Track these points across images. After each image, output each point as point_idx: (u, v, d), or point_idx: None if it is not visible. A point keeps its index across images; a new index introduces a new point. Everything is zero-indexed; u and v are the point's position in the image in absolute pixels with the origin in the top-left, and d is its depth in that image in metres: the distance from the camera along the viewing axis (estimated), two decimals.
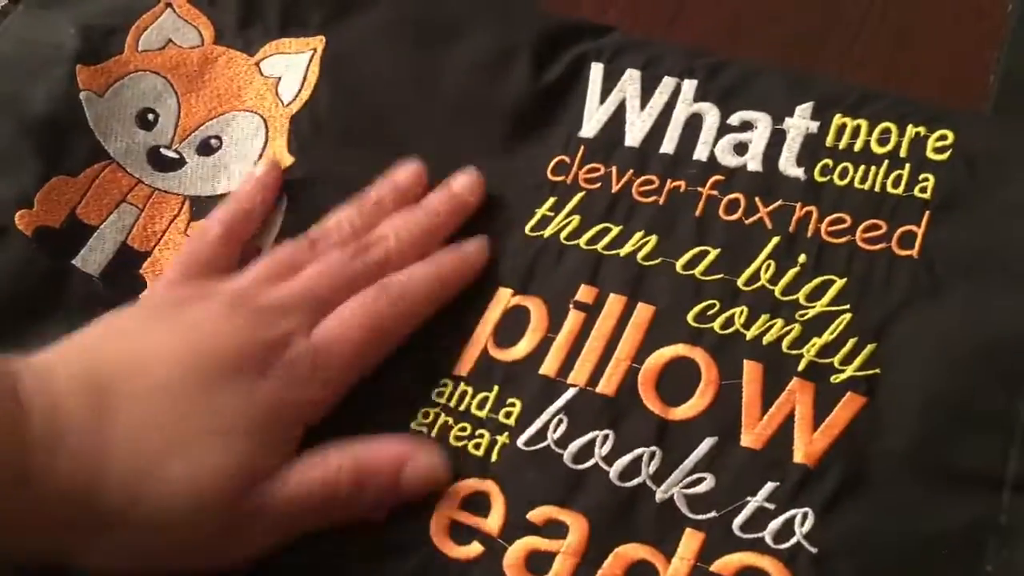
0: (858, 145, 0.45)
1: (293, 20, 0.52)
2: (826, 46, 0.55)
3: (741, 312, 0.42)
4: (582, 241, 0.45)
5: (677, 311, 0.43)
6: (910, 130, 0.45)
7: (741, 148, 0.46)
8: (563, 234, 0.46)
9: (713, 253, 0.44)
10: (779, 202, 0.44)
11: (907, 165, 0.44)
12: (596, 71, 0.50)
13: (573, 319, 0.43)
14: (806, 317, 0.42)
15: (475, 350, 0.44)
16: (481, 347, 0.44)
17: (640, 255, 0.44)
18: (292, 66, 0.51)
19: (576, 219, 0.46)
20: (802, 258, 0.43)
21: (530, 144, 0.49)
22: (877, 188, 0.44)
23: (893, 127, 0.45)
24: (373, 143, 0.49)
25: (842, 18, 0.55)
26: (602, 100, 0.49)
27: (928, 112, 0.45)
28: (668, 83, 0.49)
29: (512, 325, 0.44)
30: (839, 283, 0.42)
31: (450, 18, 0.53)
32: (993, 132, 0.45)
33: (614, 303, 0.43)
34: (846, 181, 0.44)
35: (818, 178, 0.45)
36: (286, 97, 0.51)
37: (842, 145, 0.45)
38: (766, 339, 0.42)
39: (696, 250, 0.44)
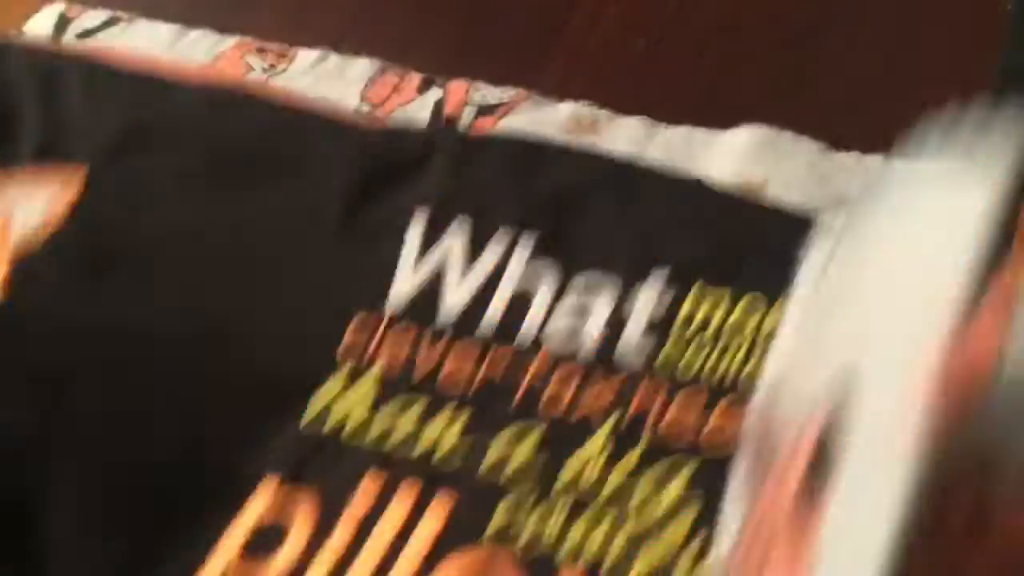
0: (715, 321, 0.39)
1: (54, 148, 0.46)
2: (826, 46, 0.54)
3: (558, 517, 0.36)
4: (372, 429, 0.38)
5: (479, 513, 0.36)
6: (759, 314, 0.38)
7: (576, 324, 0.39)
8: (353, 415, 0.38)
9: (529, 445, 0.37)
10: (616, 381, 0.38)
11: (758, 351, 0.38)
12: (419, 218, 0.42)
13: (349, 521, 0.36)
14: (638, 525, 0.35)
15: (220, 562, 0.35)
16: (228, 559, 0.36)
17: (442, 447, 0.37)
18: (35, 197, 0.44)
19: (372, 394, 0.38)
20: (635, 455, 0.37)
21: (329, 301, 0.41)
22: (732, 371, 0.38)
23: (743, 307, 0.39)
24: (111, 288, 0.42)
25: (841, 18, 0.55)
26: (421, 254, 0.41)
27: (781, 290, 0.37)
28: (500, 238, 0.41)
29: (270, 532, 0.36)
30: (677, 485, 0.36)
31: (253, 155, 0.45)
32: None
33: (402, 501, 0.36)
34: (696, 361, 0.38)
35: (663, 356, 0.38)
36: (20, 229, 0.43)
37: (697, 318, 0.39)
38: (588, 551, 0.35)
39: (508, 442, 0.37)
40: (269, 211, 0.43)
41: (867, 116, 0.49)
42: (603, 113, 0.50)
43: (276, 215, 0.43)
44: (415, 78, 0.52)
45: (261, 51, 0.53)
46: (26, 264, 0.42)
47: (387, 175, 0.43)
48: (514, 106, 0.50)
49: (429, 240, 0.41)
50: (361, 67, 0.52)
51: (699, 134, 0.49)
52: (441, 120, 0.49)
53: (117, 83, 0.47)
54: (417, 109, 0.51)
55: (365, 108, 0.51)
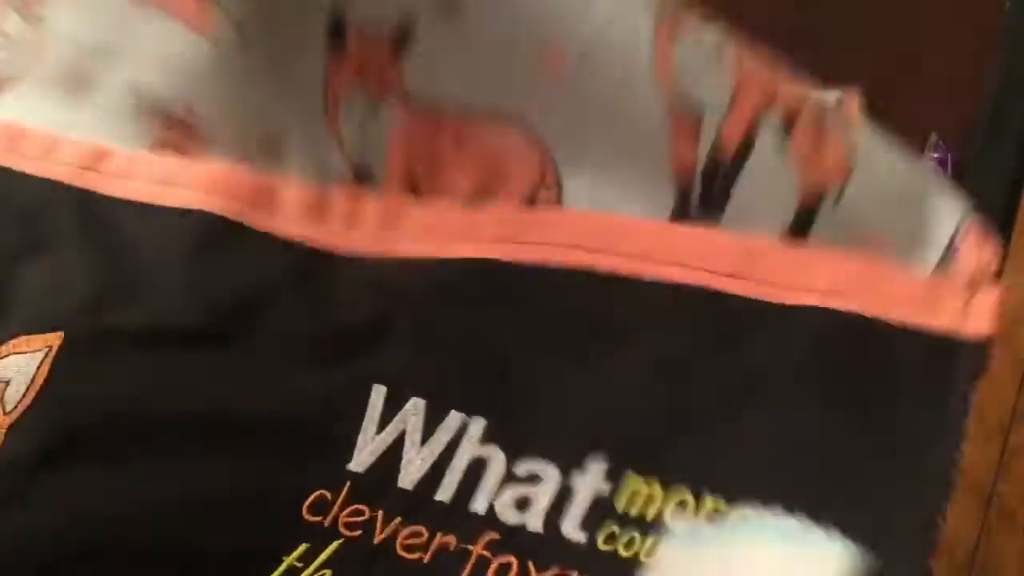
0: (651, 514, 0.38)
1: (38, 314, 0.44)
2: (825, 46, 0.54)
3: None
4: None
5: None
6: (709, 504, 0.38)
7: (524, 503, 0.39)
8: None
9: None
10: (554, 570, 0.38)
11: None
12: (377, 394, 0.41)
13: None
14: None
15: None
16: None
17: None
18: (23, 369, 0.44)
19: (327, 574, 0.38)
20: None
21: (286, 472, 0.40)
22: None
23: (690, 498, 0.38)
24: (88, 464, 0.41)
25: (841, 19, 0.56)
26: (379, 429, 0.41)
27: (731, 480, 0.38)
28: (454, 418, 0.41)
29: None
30: None
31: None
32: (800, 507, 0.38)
33: None
34: (631, 552, 0.38)
35: (601, 546, 0.38)
36: (10, 404, 0.43)
37: (634, 512, 0.38)
38: None
39: None
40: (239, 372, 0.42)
41: (867, 115, 0.50)
42: None
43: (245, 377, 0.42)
44: None
45: None
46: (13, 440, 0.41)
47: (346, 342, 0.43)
48: None
49: (387, 415, 0.41)
50: None
51: None
52: None
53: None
54: None
55: None
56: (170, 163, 0.49)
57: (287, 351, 0.43)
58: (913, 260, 0.41)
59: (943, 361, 0.37)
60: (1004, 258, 0.45)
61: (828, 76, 0.52)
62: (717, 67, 0.43)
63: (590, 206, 0.44)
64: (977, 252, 0.40)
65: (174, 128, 0.49)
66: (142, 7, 0.50)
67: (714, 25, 0.43)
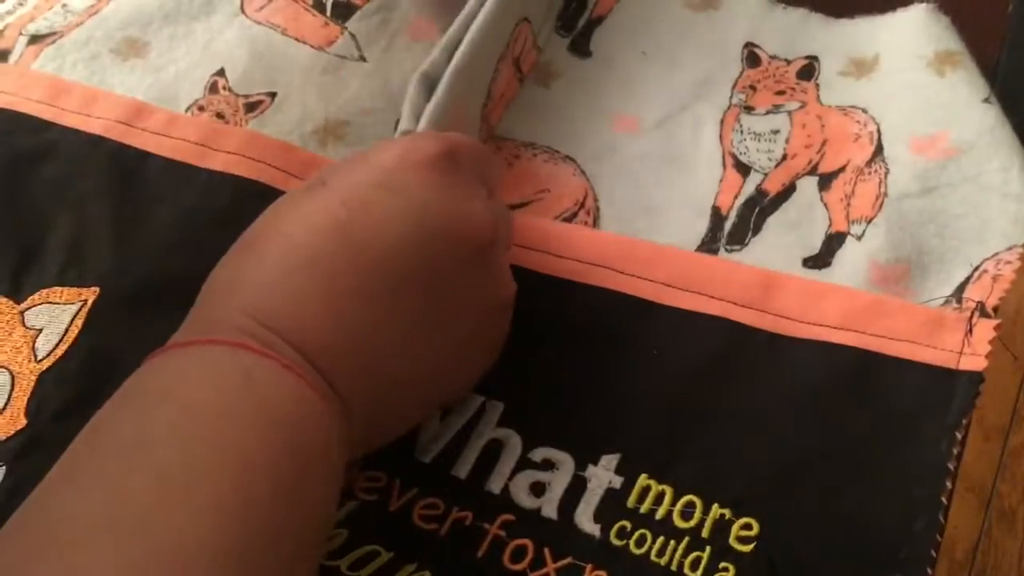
0: (660, 513, 0.39)
1: (73, 267, 0.46)
2: None
3: None
4: (342, 565, 0.38)
5: None
6: (715, 510, 0.38)
7: (538, 488, 0.40)
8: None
9: None
10: (568, 559, 0.38)
11: (708, 548, 0.38)
12: None
13: None
14: None
15: None
16: None
17: None
18: (55, 319, 0.45)
19: (343, 534, 0.39)
20: None
21: None
22: (674, 566, 0.38)
23: (698, 502, 0.39)
24: None
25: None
26: None
27: (737, 492, 0.39)
28: (474, 400, 0.42)
29: None
30: None
31: None
32: (801, 526, 0.38)
33: None
34: (642, 550, 0.38)
35: (614, 540, 0.39)
36: (41, 352, 0.44)
37: (644, 509, 0.39)
38: None
39: None
40: None
41: None
42: None
43: None
44: None
45: None
46: (43, 385, 0.43)
47: None
48: None
49: None
50: None
51: (815, 17, 0.52)
52: None
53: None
54: None
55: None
56: (211, 126, 0.50)
57: None
58: (924, 292, 0.42)
59: (940, 392, 0.38)
60: None
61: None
62: (770, 143, 0.48)
63: (622, 231, 0.46)
64: (983, 291, 0.40)
65: (229, 102, 0.51)
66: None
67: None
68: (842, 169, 0.47)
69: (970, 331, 0.39)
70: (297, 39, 0.53)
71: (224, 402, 0.31)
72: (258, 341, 0.33)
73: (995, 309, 0.40)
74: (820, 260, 0.44)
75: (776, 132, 0.48)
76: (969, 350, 0.39)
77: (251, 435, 0.31)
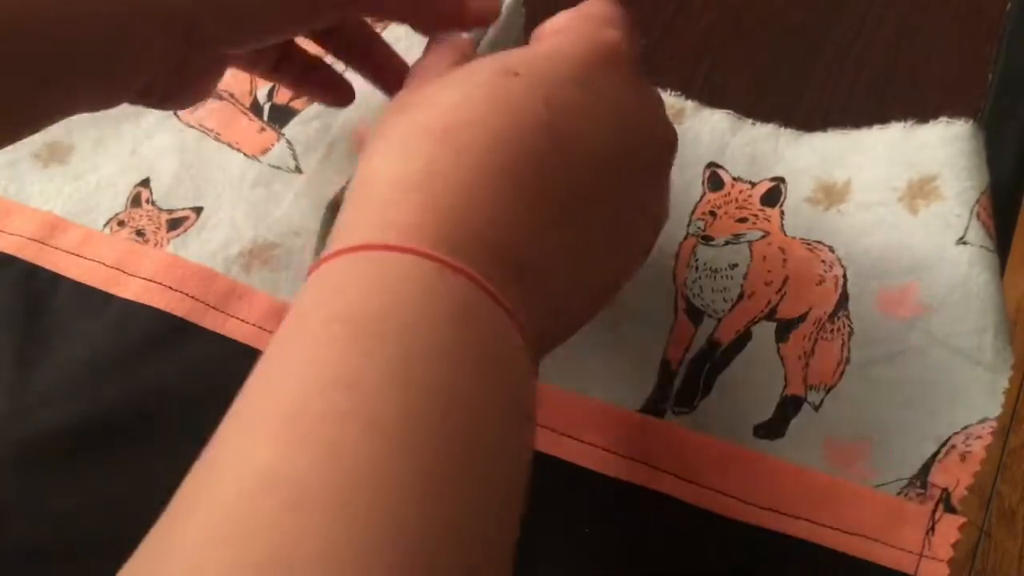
0: None
1: None
2: (825, 44, 0.53)
3: None
4: None
5: None
6: None
7: None
8: None
9: None
10: None
11: None
12: None
13: None
14: None
15: None
16: None
17: None
18: None
19: None
20: None
21: None
22: None
23: None
24: None
25: (842, 17, 0.54)
26: None
27: None
28: None
29: None
30: None
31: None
32: None
33: None
34: None
35: None
36: None
37: None
38: None
39: None
40: None
41: (868, 116, 0.48)
42: (690, 104, 0.49)
43: None
44: None
45: None
46: None
47: None
48: None
49: None
50: None
51: (786, 133, 0.48)
52: None
53: None
54: None
55: None
56: (128, 247, 0.46)
57: None
58: (886, 472, 0.38)
59: None
60: (1004, 258, 0.44)
61: (829, 75, 0.51)
62: (727, 280, 0.44)
63: (564, 384, 0.41)
64: (949, 475, 0.36)
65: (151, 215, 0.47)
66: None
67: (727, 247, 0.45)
68: (802, 318, 0.42)
69: (932, 528, 0.35)
70: (231, 144, 0.49)
71: (445, 341, 0.26)
72: (464, 258, 0.27)
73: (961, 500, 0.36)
74: (773, 429, 0.40)
75: (734, 266, 0.44)
76: (930, 552, 0.35)
77: (476, 385, 0.26)
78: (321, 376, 0.25)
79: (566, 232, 0.31)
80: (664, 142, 0.35)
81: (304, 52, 0.44)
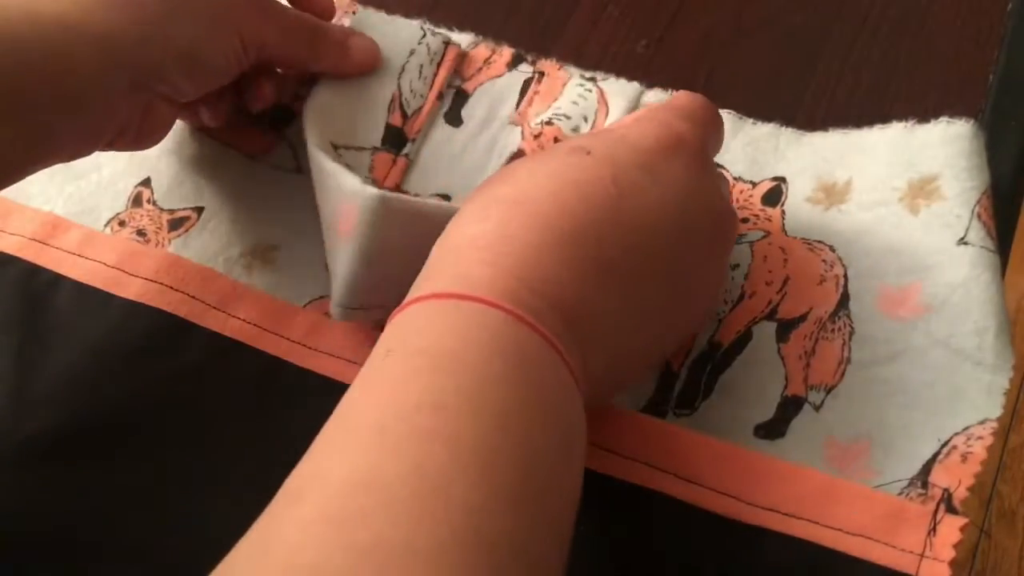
0: None
1: None
2: (826, 45, 0.53)
3: None
4: None
5: None
6: None
7: None
8: None
9: None
10: None
11: None
12: None
13: None
14: None
15: None
16: None
17: None
18: None
19: None
20: None
21: None
22: None
23: None
24: None
25: (842, 17, 0.53)
26: None
27: None
28: None
29: None
30: None
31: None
32: None
33: None
34: None
35: None
36: None
37: None
38: None
39: None
40: None
41: (868, 116, 0.48)
42: None
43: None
44: (507, 52, 0.51)
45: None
46: None
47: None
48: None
49: None
50: (455, 38, 0.51)
51: (786, 132, 0.48)
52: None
53: None
54: (505, 85, 0.50)
55: (456, 81, 0.50)
56: (129, 247, 0.46)
57: (222, 473, 0.40)
58: (886, 472, 0.38)
59: None
60: (1005, 258, 0.43)
61: (829, 76, 0.51)
62: (728, 280, 0.44)
63: None
64: (951, 475, 0.36)
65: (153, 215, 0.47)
66: None
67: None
68: (803, 318, 0.42)
69: (933, 529, 0.35)
70: (232, 145, 0.49)
71: (508, 376, 0.30)
72: (525, 309, 0.32)
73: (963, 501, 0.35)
74: (774, 429, 0.39)
75: (735, 267, 0.44)
76: (931, 553, 0.35)
77: (534, 416, 0.29)
78: (407, 399, 0.29)
79: (621, 298, 0.34)
80: (724, 227, 0.38)
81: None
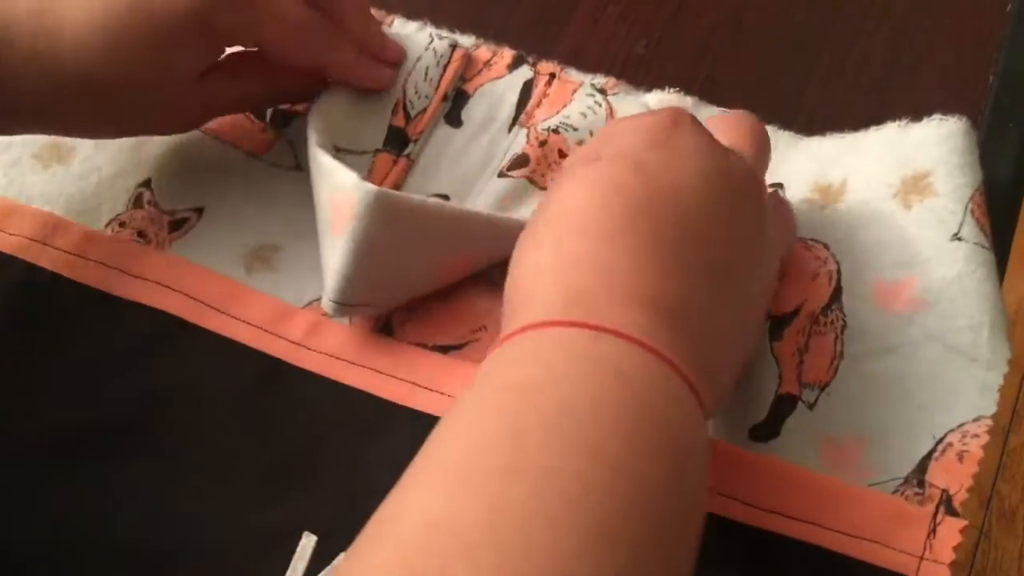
0: None
1: None
2: (827, 45, 0.53)
3: None
4: None
5: None
6: None
7: None
8: None
9: None
10: None
11: None
12: (306, 543, 0.39)
13: None
14: None
15: None
16: None
17: None
18: None
19: None
20: None
21: None
22: None
23: None
24: None
25: (842, 17, 0.53)
26: None
27: None
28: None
29: None
30: None
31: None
32: None
33: None
34: None
35: None
36: None
37: None
38: None
39: None
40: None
41: (868, 117, 0.48)
42: (690, 103, 0.49)
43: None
44: (507, 54, 0.50)
45: None
46: None
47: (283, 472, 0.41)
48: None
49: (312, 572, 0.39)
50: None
51: (784, 136, 0.48)
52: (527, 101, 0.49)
53: None
54: (505, 87, 0.49)
55: (459, 83, 0.50)
56: (129, 248, 0.45)
57: (221, 474, 0.40)
58: (881, 470, 0.37)
59: None
60: (1005, 258, 0.43)
61: (829, 75, 0.51)
62: None
63: None
64: (949, 475, 0.36)
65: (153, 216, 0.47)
66: None
67: None
68: (795, 313, 0.42)
69: (933, 531, 0.35)
70: (232, 144, 0.49)
71: (604, 400, 0.28)
72: (609, 320, 0.30)
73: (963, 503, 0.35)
74: (768, 430, 0.39)
75: None
76: (931, 555, 0.34)
77: (637, 444, 0.27)
78: (486, 436, 0.27)
79: (695, 272, 0.33)
80: (743, 174, 0.36)
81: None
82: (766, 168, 0.41)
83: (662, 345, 0.30)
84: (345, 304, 0.40)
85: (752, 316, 0.37)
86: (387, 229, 0.39)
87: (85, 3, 0.40)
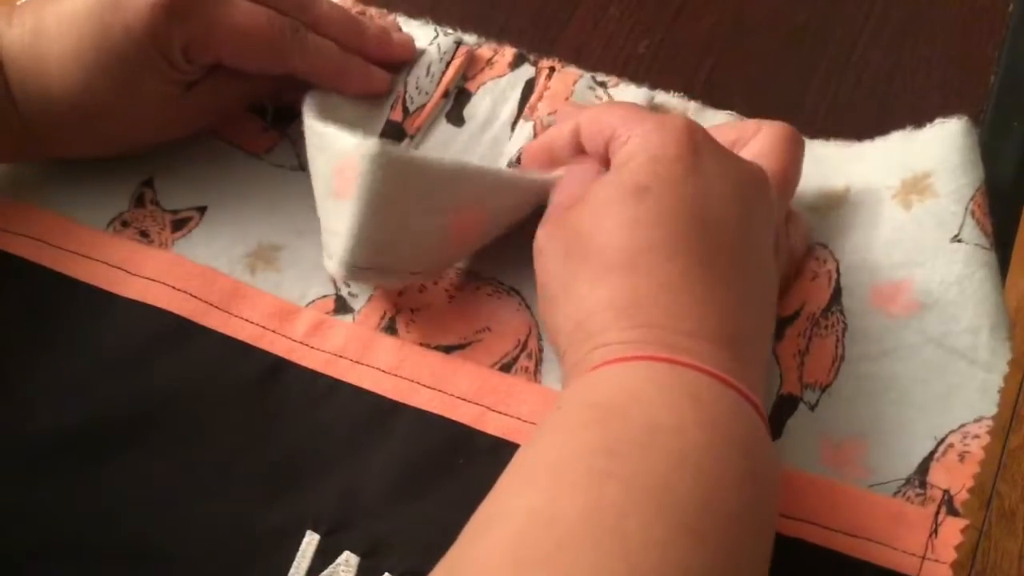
0: None
1: None
2: (827, 45, 0.53)
3: None
4: None
5: None
6: None
7: None
8: None
9: None
10: None
11: None
12: (309, 542, 0.39)
13: None
14: None
15: None
16: None
17: None
18: None
19: None
20: None
21: None
22: None
23: None
24: None
25: (844, 17, 0.53)
26: None
27: None
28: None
29: None
30: None
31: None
32: None
33: None
34: None
35: None
36: None
37: None
38: None
39: None
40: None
41: (868, 116, 0.48)
42: (692, 105, 0.49)
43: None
44: (509, 53, 0.50)
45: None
46: None
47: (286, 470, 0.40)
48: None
49: (316, 567, 0.39)
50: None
51: None
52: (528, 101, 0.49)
53: None
54: (507, 85, 0.50)
55: (461, 81, 0.50)
56: (132, 247, 0.45)
57: (224, 472, 0.40)
58: (882, 471, 0.37)
59: None
60: (1007, 258, 0.43)
61: (831, 76, 0.51)
62: None
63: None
64: (950, 475, 0.36)
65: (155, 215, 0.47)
66: None
67: None
68: (796, 314, 0.42)
69: (935, 531, 0.35)
70: (233, 144, 0.49)
71: (678, 419, 0.31)
72: (682, 353, 0.33)
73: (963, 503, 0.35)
74: (771, 430, 0.39)
75: None
76: (932, 555, 0.34)
77: (712, 456, 0.30)
78: (580, 444, 0.30)
79: (739, 296, 0.36)
80: (755, 182, 0.38)
81: None
82: (798, 179, 0.42)
83: (726, 371, 0.33)
84: (356, 266, 0.39)
85: (771, 324, 0.39)
86: (393, 183, 0.38)
87: (67, 33, 0.42)
